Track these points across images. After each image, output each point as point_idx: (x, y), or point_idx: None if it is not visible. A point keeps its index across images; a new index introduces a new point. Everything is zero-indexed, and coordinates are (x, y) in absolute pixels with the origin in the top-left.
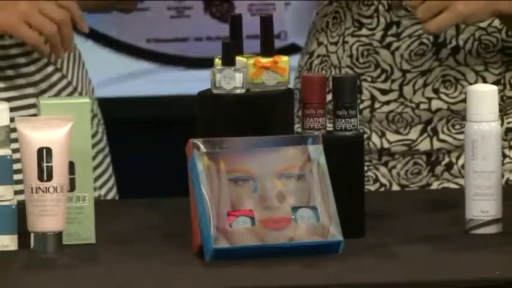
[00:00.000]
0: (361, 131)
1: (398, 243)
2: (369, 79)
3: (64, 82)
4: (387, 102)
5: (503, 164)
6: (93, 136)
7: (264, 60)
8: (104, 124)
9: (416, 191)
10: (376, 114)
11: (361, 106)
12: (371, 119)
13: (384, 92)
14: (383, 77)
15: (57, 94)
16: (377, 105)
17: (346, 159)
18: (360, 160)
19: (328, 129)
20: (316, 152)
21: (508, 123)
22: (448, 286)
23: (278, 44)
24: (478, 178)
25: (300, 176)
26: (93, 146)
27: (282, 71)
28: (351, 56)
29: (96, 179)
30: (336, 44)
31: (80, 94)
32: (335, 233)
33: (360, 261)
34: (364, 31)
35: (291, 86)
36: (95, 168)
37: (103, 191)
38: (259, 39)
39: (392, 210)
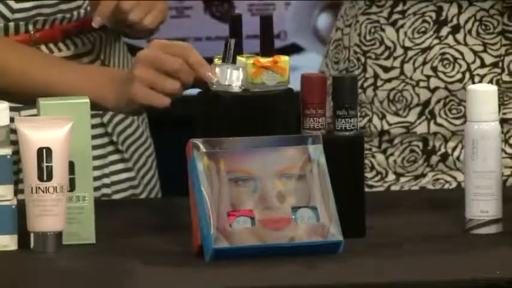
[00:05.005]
0: (364, 113)
1: (398, 243)
2: (373, 56)
3: None
4: (389, 80)
5: None
6: (139, 137)
7: (264, 60)
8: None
9: (417, 191)
10: (379, 93)
11: (365, 84)
12: (373, 99)
13: (386, 69)
14: (386, 54)
15: None
16: (379, 82)
17: (346, 159)
18: (360, 160)
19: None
20: (316, 152)
21: (504, 113)
22: (448, 286)
23: (278, 44)
24: (478, 178)
25: (300, 176)
26: (139, 146)
27: (282, 71)
28: (359, 34)
29: (141, 178)
30: (350, 26)
31: None
32: (335, 233)
33: (360, 261)
34: (373, 9)
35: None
36: (139, 169)
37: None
38: (259, 39)
39: (392, 210)
